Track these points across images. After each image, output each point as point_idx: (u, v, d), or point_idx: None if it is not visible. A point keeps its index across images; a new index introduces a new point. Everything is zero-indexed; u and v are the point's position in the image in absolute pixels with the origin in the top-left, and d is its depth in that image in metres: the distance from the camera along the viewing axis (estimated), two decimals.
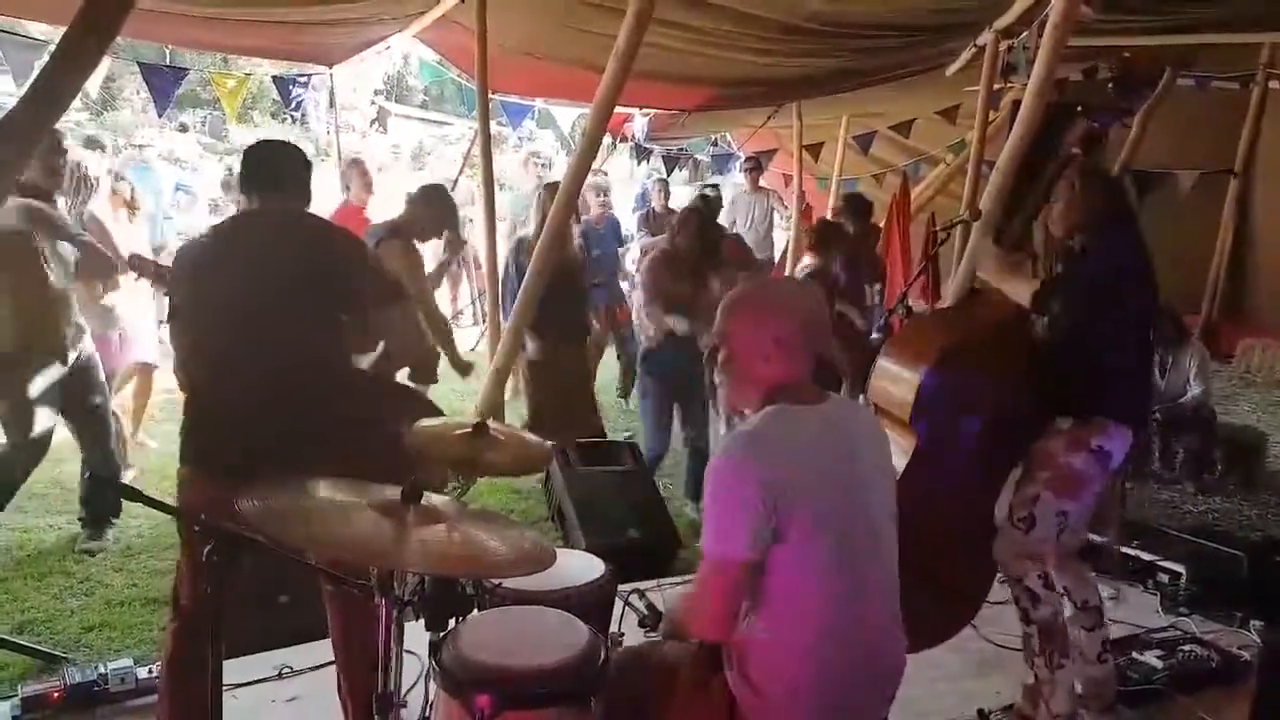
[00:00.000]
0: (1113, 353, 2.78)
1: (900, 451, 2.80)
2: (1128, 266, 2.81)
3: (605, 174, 9.53)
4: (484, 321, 7.79)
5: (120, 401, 5.24)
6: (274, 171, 2.63)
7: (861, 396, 5.02)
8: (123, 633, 3.56)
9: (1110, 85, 3.25)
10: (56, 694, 2.84)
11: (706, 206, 5.69)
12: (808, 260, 5.59)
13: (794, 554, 1.76)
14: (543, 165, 8.65)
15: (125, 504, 4.65)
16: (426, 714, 1.91)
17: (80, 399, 4.18)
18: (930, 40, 6.29)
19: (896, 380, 2.84)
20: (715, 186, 8.71)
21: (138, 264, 3.58)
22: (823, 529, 1.77)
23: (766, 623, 1.81)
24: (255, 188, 2.60)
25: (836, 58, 6.65)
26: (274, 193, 2.59)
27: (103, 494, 4.33)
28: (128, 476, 4.91)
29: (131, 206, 5.36)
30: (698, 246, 4.74)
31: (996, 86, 6.04)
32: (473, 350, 8.68)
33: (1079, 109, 3.32)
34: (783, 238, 10.20)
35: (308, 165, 2.70)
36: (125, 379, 5.40)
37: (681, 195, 10.37)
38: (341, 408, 2.41)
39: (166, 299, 2.73)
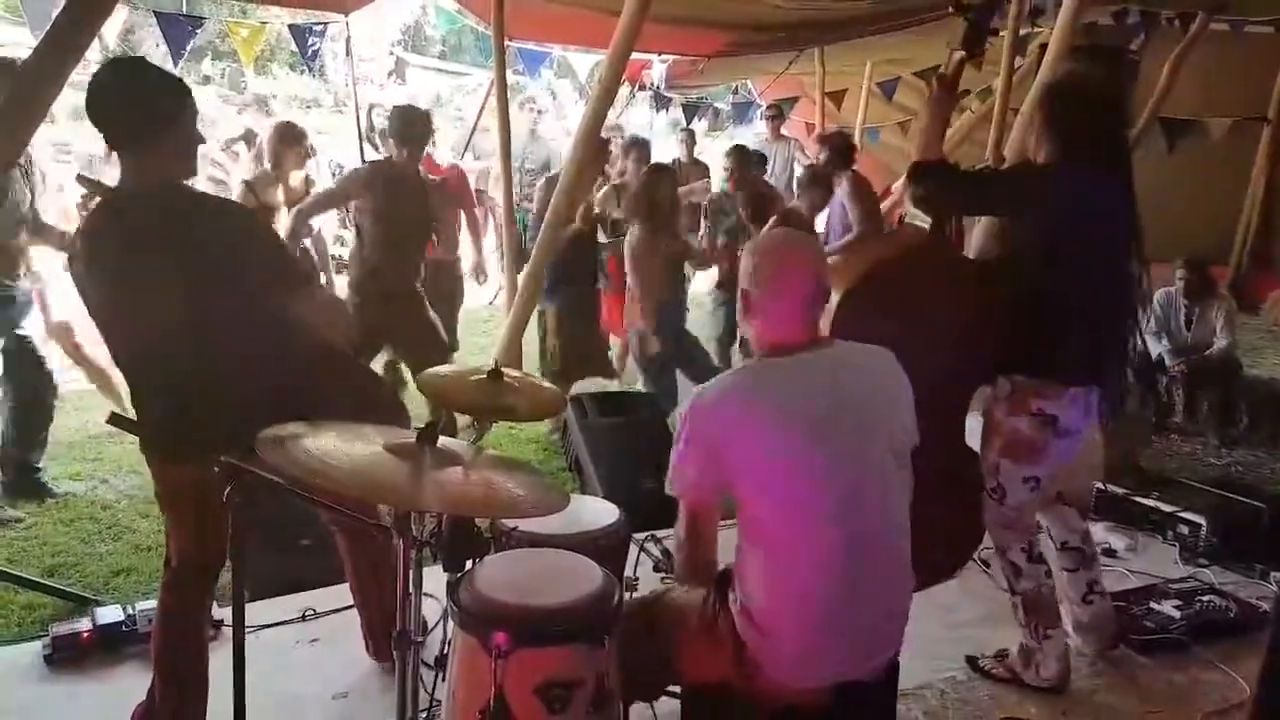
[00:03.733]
0: (1055, 308, 2.58)
1: None
2: (1085, 212, 2.52)
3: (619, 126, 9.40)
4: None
5: None
6: (116, 118, 2.13)
7: None
8: (150, 576, 3.63)
9: None
10: (86, 634, 2.90)
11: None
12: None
13: (781, 494, 1.82)
14: (537, 111, 8.49)
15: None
16: (444, 652, 1.94)
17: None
18: None
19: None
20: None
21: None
22: (805, 472, 1.81)
23: (766, 562, 1.85)
24: (112, 144, 2.15)
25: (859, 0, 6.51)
26: (133, 149, 2.14)
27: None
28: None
29: None
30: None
31: (1023, 31, 5.90)
32: (491, 304, 8.69)
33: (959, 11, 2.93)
34: None
35: (165, 91, 2.16)
36: None
37: (705, 145, 10.25)
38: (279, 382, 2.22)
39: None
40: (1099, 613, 2.97)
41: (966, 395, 2.78)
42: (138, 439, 2.19)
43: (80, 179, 2.82)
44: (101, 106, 2.12)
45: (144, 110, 2.12)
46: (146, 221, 2.12)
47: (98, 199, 2.28)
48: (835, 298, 2.52)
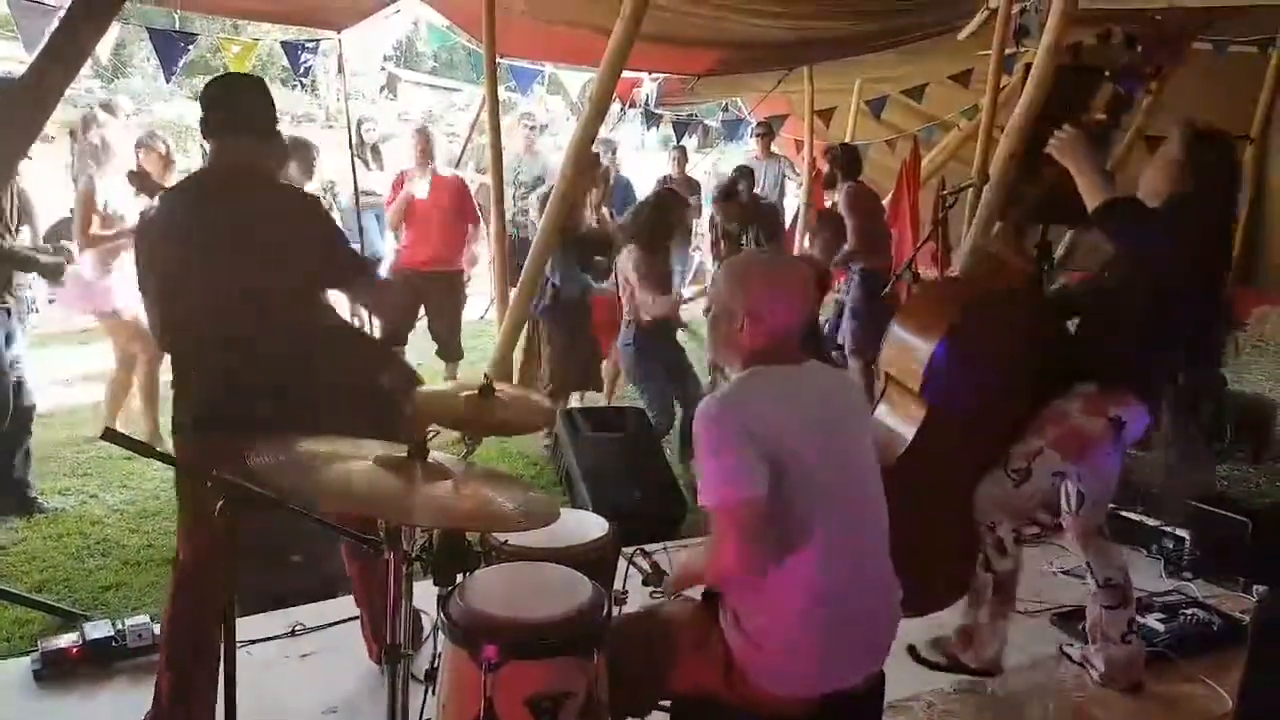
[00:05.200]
0: (1158, 327, 2.74)
1: (909, 420, 2.83)
2: (1203, 244, 2.72)
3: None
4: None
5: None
6: (234, 113, 2.49)
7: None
8: (139, 592, 3.63)
9: (1138, 46, 3.15)
10: (75, 650, 2.90)
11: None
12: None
13: (777, 505, 1.82)
14: (532, 129, 8.48)
15: (141, 466, 4.73)
16: (434, 664, 1.95)
17: None
18: (942, 2, 6.22)
19: (908, 349, 2.87)
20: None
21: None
22: (804, 480, 1.83)
23: (758, 576, 1.85)
24: (215, 132, 2.49)
25: (848, 20, 6.58)
26: (234, 137, 2.48)
27: None
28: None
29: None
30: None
31: (1009, 50, 5.96)
32: (482, 318, 8.70)
33: (1105, 74, 3.22)
34: (794, 204, 10.15)
35: (263, 96, 2.57)
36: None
37: (695, 161, 10.29)
38: (323, 366, 2.41)
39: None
40: (1135, 653, 2.97)
41: (1019, 436, 2.84)
42: (137, 446, 2.19)
43: (131, 175, 3.07)
44: (219, 104, 2.51)
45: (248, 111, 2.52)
46: (223, 194, 2.43)
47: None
48: (925, 337, 2.75)
